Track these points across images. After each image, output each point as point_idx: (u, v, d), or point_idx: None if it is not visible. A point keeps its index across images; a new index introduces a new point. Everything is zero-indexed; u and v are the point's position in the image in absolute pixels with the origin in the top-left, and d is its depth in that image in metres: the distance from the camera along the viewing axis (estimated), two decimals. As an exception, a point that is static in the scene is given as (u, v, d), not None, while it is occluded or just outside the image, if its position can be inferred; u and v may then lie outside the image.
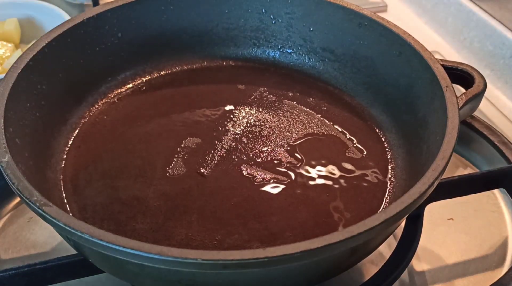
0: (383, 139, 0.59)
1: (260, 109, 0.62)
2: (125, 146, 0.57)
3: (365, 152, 0.57)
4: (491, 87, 0.75)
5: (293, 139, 0.58)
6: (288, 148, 0.57)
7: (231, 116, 0.61)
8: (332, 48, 0.65)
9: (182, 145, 0.57)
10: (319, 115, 0.62)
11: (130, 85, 0.65)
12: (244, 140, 0.58)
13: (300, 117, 0.61)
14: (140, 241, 0.38)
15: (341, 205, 0.52)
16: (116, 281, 0.50)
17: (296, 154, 0.57)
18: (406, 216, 0.46)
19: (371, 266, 0.53)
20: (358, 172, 0.55)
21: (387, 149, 0.58)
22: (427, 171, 0.43)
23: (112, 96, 0.63)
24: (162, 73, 0.67)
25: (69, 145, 0.57)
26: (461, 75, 0.56)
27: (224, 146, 0.57)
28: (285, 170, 0.55)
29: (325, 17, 0.64)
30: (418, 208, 0.46)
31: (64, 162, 0.55)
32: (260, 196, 0.52)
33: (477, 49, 0.82)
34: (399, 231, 0.52)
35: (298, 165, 0.55)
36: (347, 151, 0.57)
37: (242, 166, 0.55)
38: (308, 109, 0.62)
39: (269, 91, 0.65)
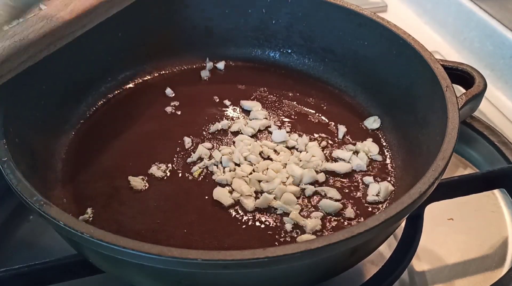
0: (383, 139, 0.59)
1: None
2: (125, 146, 0.57)
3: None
4: (491, 87, 0.75)
5: (293, 139, 0.58)
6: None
7: (232, 116, 0.61)
8: (332, 48, 0.65)
9: (182, 145, 0.57)
10: (319, 115, 0.62)
11: (130, 85, 0.65)
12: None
13: (300, 117, 0.61)
14: (140, 241, 0.38)
15: (340, 205, 0.52)
16: (116, 281, 0.50)
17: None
18: (406, 216, 0.46)
19: (371, 266, 0.53)
20: (357, 172, 0.55)
21: (387, 149, 0.58)
22: (427, 171, 0.43)
23: (112, 96, 0.63)
24: (162, 73, 0.67)
25: (69, 145, 0.57)
26: (461, 75, 0.56)
27: (224, 146, 0.57)
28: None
29: (325, 17, 0.64)
30: (418, 208, 0.46)
31: (64, 162, 0.55)
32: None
33: (477, 49, 0.82)
34: (399, 231, 0.52)
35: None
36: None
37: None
38: (308, 109, 0.62)
39: (269, 91, 0.65)
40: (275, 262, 0.37)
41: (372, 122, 0.60)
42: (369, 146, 0.57)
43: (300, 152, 0.56)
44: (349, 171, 0.55)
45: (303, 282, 0.44)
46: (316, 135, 0.59)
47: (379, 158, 0.57)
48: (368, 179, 0.54)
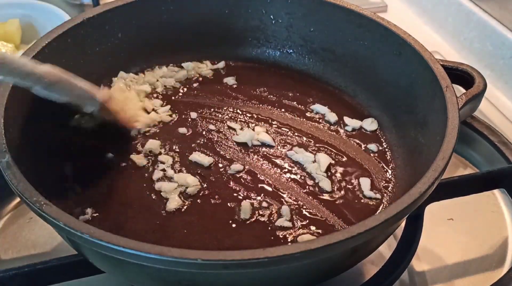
0: (383, 139, 0.59)
1: (260, 109, 0.62)
2: (125, 146, 0.57)
3: (365, 153, 0.57)
4: (491, 88, 0.75)
5: (293, 139, 0.58)
6: (289, 149, 0.57)
7: (232, 116, 0.61)
8: (332, 48, 0.65)
9: (182, 145, 0.57)
10: (319, 116, 0.62)
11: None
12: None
13: (300, 117, 0.61)
14: (140, 241, 0.38)
15: (341, 205, 0.52)
16: (116, 281, 0.50)
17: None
18: (406, 216, 0.46)
19: (371, 266, 0.53)
20: (358, 173, 0.55)
21: (387, 149, 0.58)
22: (427, 171, 0.43)
23: (112, 96, 0.63)
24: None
25: (69, 145, 0.57)
26: (461, 75, 0.56)
27: (224, 147, 0.57)
28: (285, 171, 0.55)
29: (325, 17, 0.64)
30: (418, 208, 0.46)
31: (64, 162, 0.55)
32: (259, 194, 0.52)
33: (477, 49, 0.82)
34: (399, 231, 0.53)
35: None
36: (347, 151, 0.57)
37: (240, 167, 0.55)
38: (308, 109, 0.62)
39: (269, 91, 0.65)
40: (275, 262, 0.37)
41: (370, 124, 0.60)
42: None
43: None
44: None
45: (303, 282, 0.44)
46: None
47: (373, 147, 0.57)
48: (365, 179, 0.54)
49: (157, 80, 0.65)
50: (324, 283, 0.46)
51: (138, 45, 0.65)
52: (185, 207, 0.51)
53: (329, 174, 0.54)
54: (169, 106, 0.62)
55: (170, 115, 0.61)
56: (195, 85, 0.65)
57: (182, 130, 0.59)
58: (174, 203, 0.51)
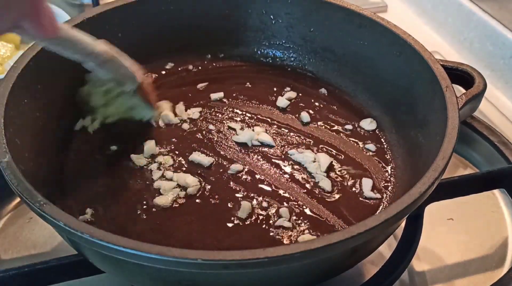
0: (383, 139, 0.59)
1: (260, 109, 0.62)
2: (125, 146, 0.57)
3: (365, 153, 0.57)
4: (491, 88, 0.75)
5: (293, 139, 0.58)
6: (289, 149, 0.57)
7: (232, 116, 0.61)
8: (332, 48, 0.65)
9: (182, 145, 0.57)
10: (319, 116, 0.62)
11: (130, 85, 0.65)
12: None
13: (300, 117, 0.61)
14: (140, 241, 0.38)
15: (341, 205, 0.52)
16: (116, 281, 0.50)
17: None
18: (406, 216, 0.46)
19: (371, 266, 0.53)
20: (358, 173, 0.55)
21: (386, 149, 0.58)
22: (427, 171, 0.43)
23: (112, 96, 0.63)
24: (162, 73, 0.67)
25: (69, 145, 0.57)
26: (461, 75, 0.56)
27: (224, 147, 0.57)
28: (285, 171, 0.55)
29: (325, 18, 0.64)
30: (418, 208, 0.46)
31: (64, 162, 0.55)
32: (259, 194, 0.52)
33: (477, 49, 0.82)
34: (399, 231, 0.53)
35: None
36: (347, 151, 0.57)
37: (240, 167, 0.55)
38: (308, 109, 0.62)
39: (269, 91, 0.65)
40: (275, 262, 0.37)
41: (369, 123, 0.60)
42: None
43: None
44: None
45: (303, 282, 0.44)
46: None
47: (373, 147, 0.57)
48: (365, 180, 0.54)
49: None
50: (324, 283, 0.46)
51: (138, 45, 0.65)
52: (178, 205, 0.51)
53: (329, 174, 0.55)
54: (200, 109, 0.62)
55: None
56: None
57: (182, 130, 0.59)
58: (162, 200, 0.51)
